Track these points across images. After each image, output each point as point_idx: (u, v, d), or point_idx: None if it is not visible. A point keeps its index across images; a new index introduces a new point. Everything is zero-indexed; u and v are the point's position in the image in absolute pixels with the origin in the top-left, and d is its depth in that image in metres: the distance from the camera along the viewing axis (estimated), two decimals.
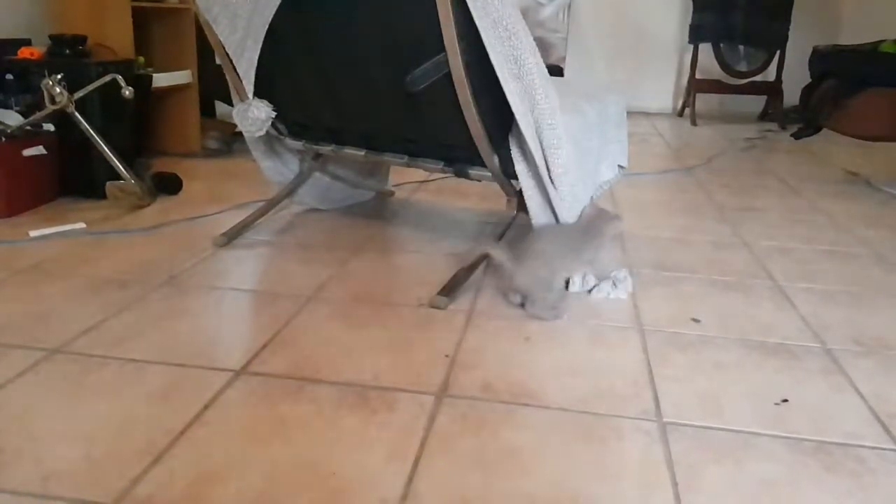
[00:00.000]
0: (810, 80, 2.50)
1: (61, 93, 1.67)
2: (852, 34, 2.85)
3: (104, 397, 0.87)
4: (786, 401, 0.92)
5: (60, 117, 1.72)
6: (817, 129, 2.59)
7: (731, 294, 1.30)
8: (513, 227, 1.40)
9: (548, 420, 0.85)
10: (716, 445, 0.81)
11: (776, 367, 1.02)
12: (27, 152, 1.70)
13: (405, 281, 1.32)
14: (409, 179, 2.10)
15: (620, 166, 1.60)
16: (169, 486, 0.71)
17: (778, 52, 3.59)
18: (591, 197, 1.39)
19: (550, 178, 1.17)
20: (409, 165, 1.39)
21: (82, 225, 1.57)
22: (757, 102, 3.84)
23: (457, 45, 1.05)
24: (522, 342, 1.06)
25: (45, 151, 1.74)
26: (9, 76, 1.83)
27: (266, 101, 1.40)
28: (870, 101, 2.23)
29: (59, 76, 1.68)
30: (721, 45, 3.59)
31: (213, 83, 2.29)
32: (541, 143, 1.14)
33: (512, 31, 1.04)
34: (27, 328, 1.06)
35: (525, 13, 3.70)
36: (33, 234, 1.50)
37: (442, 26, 1.04)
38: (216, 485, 0.71)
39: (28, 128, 1.73)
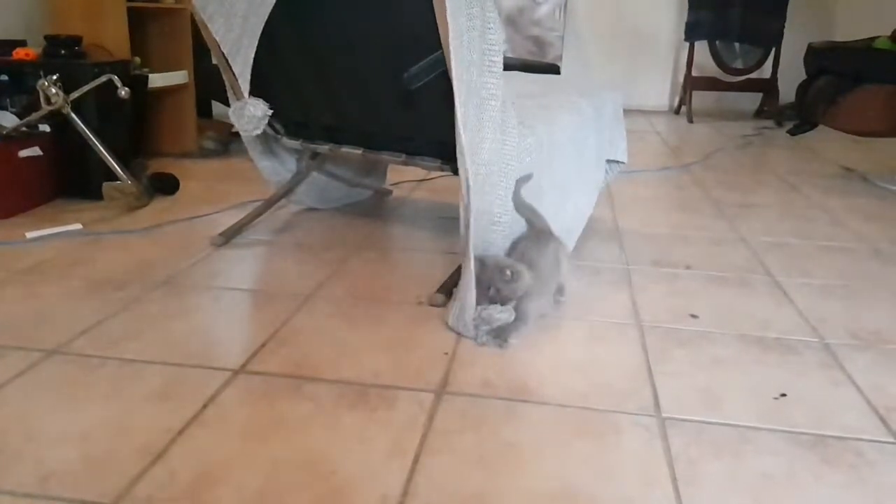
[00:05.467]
0: (806, 76, 2.51)
1: (57, 93, 1.66)
2: (847, 31, 2.86)
3: (102, 398, 0.87)
4: (784, 395, 0.92)
5: (56, 118, 1.72)
6: (813, 126, 2.59)
7: (728, 289, 1.30)
8: None
9: (547, 416, 0.85)
10: (715, 440, 0.81)
11: (774, 361, 1.02)
12: (23, 153, 1.70)
13: (404, 279, 1.32)
14: (407, 178, 2.10)
15: (620, 162, 1.60)
16: (168, 485, 0.71)
17: (773, 49, 3.60)
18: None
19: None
20: (406, 164, 1.39)
21: (79, 226, 1.57)
22: (753, 99, 3.85)
23: None
24: (521, 339, 1.06)
25: (40, 152, 1.74)
26: (4, 77, 1.83)
27: (262, 100, 1.40)
28: (865, 97, 2.24)
29: (54, 77, 1.67)
30: (717, 42, 3.60)
31: (210, 83, 2.28)
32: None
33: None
34: (25, 329, 1.05)
35: (521, 12, 3.72)
36: (30, 235, 1.49)
37: (438, 24, 1.04)
38: (216, 484, 0.71)
39: (24, 129, 1.73)
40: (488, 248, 1.14)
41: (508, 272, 1.01)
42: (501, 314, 1.01)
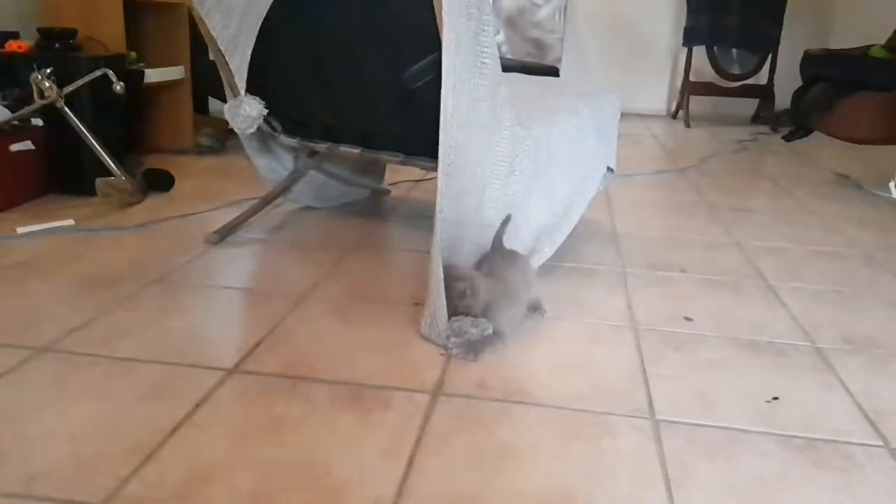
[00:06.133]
0: (801, 83, 2.52)
1: (50, 87, 1.65)
2: (843, 38, 2.88)
3: (93, 396, 0.86)
4: (776, 398, 0.92)
5: (49, 112, 1.70)
6: (808, 132, 2.61)
7: (723, 293, 1.30)
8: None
9: (542, 418, 0.85)
10: (708, 442, 0.82)
11: (767, 365, 1.02)
12: (14, 147, 1.68)
13: (400, 279, 1.32)
14: (405, 178, 2.09)
15: (609, 168, 1.60)
16: (159, 485, 0.70)
17: (770, 55, 3.62)
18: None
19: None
20: (404, 163, 1.39)
21: (71, 222, 1.56)
22: (749, 105, 3.87)
23: None
24: (517, 340, 1.06)
25: (33, 147, 1.72)
26: None
27: (258, 98, 1.39)
28: (859, 104, 2.26)
29: (48, 70, 1.66)
30: (714, 48, 3.61)
31: (207, 79, 2.27)
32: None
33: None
34: (15, 326, 1.04)
35: (521, 14, 3.72)
36: (21, 230, 1.48)
37: (438, 24, 1.04)
38: (208, 484, 0.70)
39: (16, 122, 1.71)
40: (478, 251, 1.13)
41: (464, 287, 0.98)
42: (474, 328, 0.99)
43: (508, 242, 1.16)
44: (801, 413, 0.89)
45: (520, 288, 1.08)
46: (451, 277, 1.00)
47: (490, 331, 1.01)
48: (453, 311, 1.01)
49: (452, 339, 1.00)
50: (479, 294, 1.00)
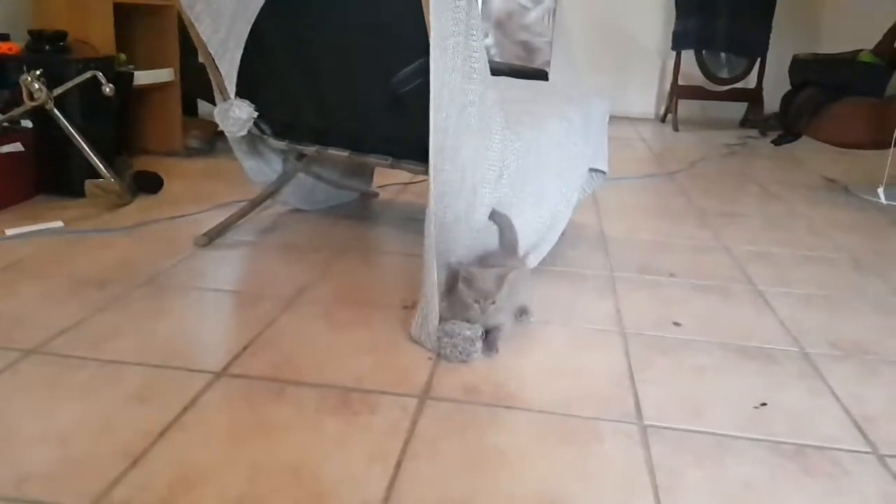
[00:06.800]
0: (790, 87, 2.55)
1: (40, 89, 1.63)
2: (832, 43, 2.91)
3: (81, 399, 0.85)
4: (764, 404, 0.93)
5: (39, 114, 1.69)
6: (797, 136, 2.64)
7: (711, 298, 1.31)
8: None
9: (530, 422, 0.86)
10: (696, 448, 0.82)
11: (755, 370, 1.03)
12: (4, 149, 1.67)
13: (389, 283, 1.32)
14: (394, 181, 2.09)
15: (602, 171, 1.61)
16: (147, 489, 0.70)
17: (759, 59, 3.65)
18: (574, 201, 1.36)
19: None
20: (393, 167, 1.39)
21: (60, 223, 1.54)
22: (738, 109, 3.90)
23: None
24: (505, 345, 1.06)
25: (22, 148, 1.71)
26: None
27: (248, 101, 1.39)
28: (848, 109, 2.28)
29: (38, 72, 1.64)
30: (703, 52, 3.64)
31: (196, 81, 2.26)
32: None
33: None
34: (3, 328, 1.03)
35: (510, 17, 3.73)
36: (10, 232, 1.47)
37: (428, 29, 1.04)
38: (195, 488, 0.70)
39: (5, 124, 1.70)
40: (467, 254, 1.13)
41: (513, 307, 0.99)
42: (468, 332, 0.99)
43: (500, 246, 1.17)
44: (789, 419, 0.90)
45: (512, 293, 1.08)
46: (480, 289, 0.99)
47: (480, 333, 1.01)
48: (471, 318, 1.00)
49: (444, 340, 1.00)
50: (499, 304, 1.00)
